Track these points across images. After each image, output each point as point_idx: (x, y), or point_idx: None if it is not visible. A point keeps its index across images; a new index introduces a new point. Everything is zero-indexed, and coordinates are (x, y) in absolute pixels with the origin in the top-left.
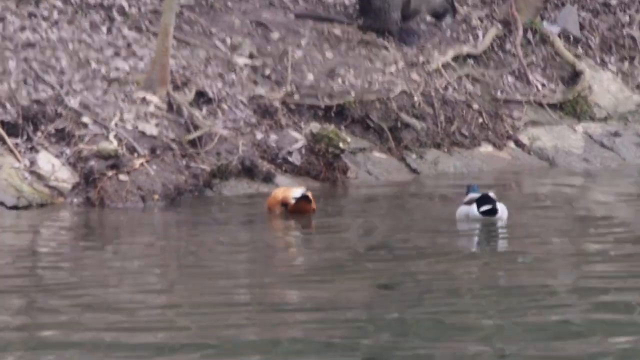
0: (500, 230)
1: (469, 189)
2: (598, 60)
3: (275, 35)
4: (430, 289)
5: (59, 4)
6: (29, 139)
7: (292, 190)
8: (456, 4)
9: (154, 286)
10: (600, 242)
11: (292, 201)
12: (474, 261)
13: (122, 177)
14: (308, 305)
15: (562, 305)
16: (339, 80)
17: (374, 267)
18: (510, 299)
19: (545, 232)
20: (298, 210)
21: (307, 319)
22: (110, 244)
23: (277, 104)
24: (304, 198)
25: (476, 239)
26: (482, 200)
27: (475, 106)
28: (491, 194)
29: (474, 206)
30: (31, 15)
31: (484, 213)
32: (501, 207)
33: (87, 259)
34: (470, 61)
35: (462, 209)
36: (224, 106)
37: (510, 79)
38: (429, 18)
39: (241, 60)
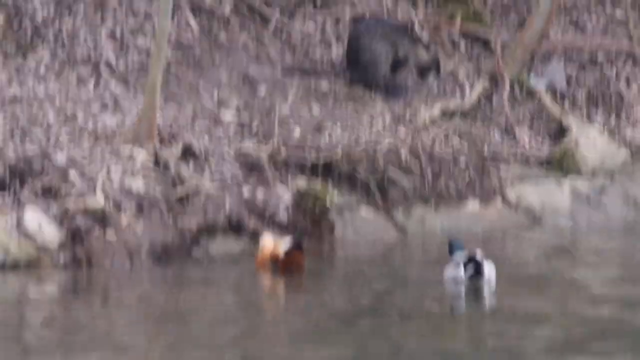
0: (486, 293)
1: (452, 245)
2: (585, 115)
3: (262, 90)
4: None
5: (47, 58)
6: (16, 195)
7: (279, 243)
8: (442, 61)
9: (137, 350)
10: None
11: (282, 254)
12: (461, 324)
13: (109, 234)
14: None
15: None
16: (326, 135)
17: (359, 331)
18: None
19: (531, 293)
20: (290, 263)
21: None
22: (97, 305)
23: (264, 159)
24: (296, 246)
25: (463, 301)
26: (469, 263)
27: (462, 162)
28: (478, 256)
29: (461, 269)
30: (18, 69)
31: (470, 277)
32: (488, 268)
33: (74, 320)
34: (457, 116)
35: (449, 272)
36: (211, 161)
37: (497, 134)
38: (412, 76)
39: (228, 116)
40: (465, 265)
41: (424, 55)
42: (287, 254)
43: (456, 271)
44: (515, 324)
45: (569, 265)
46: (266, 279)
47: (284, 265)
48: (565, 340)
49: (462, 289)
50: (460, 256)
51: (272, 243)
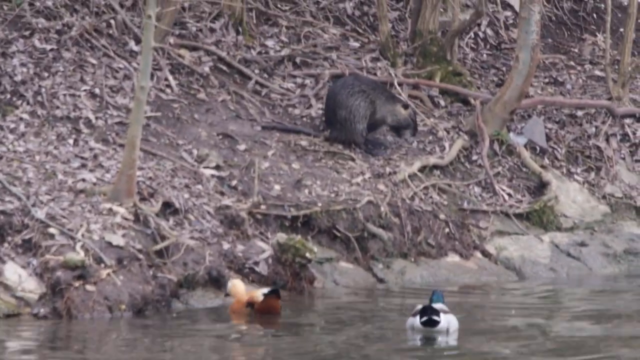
0: (444, 344)
1: (433, 296)
2: (564, 170)
3: (241, 146)
4: None
5: (26, 116)
6: None
7: (254, 291)
8: (422, 117)
9: None
10: None
11: (260, 298)
12: None
13: (89, 287)
14: None
15: None
16: (306, 190)
17: None
18: None
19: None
20: (267, 307)
21: None
22: (75, 355)
23: (243, 214)
24: (273, 292)
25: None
26: (424, 311)
27: (442, 216)
28: (438, 305)
29: (417, 317)
30: None
31: (424, 324)
32: (447, 319)
33: None
34: (437, 172)
35: (409, 320)
36: (191, 217)
37: (476, 189)
38: (391, 134)
39: (208, 172)
40: (420, 313)
41: (402, 113)
42: (266, 297)
43: (413, 320)
44: None
45: (543, 317)
46: (244, 328)
47: (262, 309)
48: None
49: (418, 338)
50: (418, 307)
51: (244, 289)
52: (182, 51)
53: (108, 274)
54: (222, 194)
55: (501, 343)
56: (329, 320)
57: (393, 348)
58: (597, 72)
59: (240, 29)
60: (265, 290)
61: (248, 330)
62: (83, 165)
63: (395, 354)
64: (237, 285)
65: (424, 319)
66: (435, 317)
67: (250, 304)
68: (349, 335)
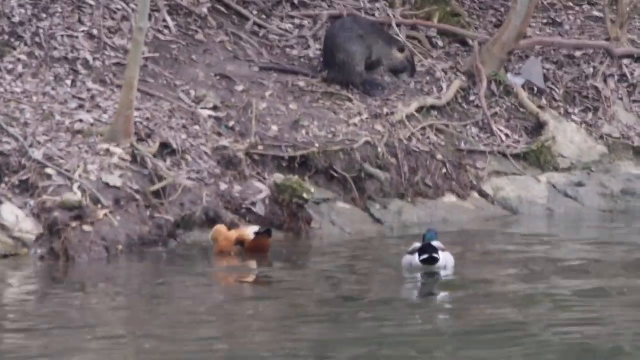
0: (442, 278)
1: (425, 235)
2: (562, 111)
3: (239, 87)
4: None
5: (24, 57)
6: None
7: (243, 229)
8: (420, 57)
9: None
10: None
11: (251, 237)
12: (418, 309)
13: (86, 228)
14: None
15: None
16: (303, 131)
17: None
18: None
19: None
20: (258, 246)
21: None
22: (74, 296)
23: (241, 155)
24: (266, 232)
25: (419, 288)
26: (423, 249)
27: (439, 157)
28: (435, 243)
29: (416, 255)
30: None
31: (423, 262)
32: (444, 256)
33: (50, 310)
34: (435, 112)
35: (406, 258)
36: (188, 157)
37: (474, 130)
38: (387, 73)
39: (205, 112)
40: (419, 252)
41: (397, 57)
42: (258, 236)
43: (411, 258)
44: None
45: (539, 252)
46: (238, 268)
47: (252, 247)
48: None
49: (418, 276)
50: (415, 245)
51: (236, 231)
52: None
53: (105, 215)
54: (219, 134)
55: (501, 271)
56: (325, 260)
57: (390, 287)
58: (596, 13)
59: None
60: (256, 228)
61: (244, 269)
62: (80, 106)
63: (394, 291)
64: (221, 229)
65: (424, 256)
66: (435, 255)
67: (240, 242)
68: (348, 275)
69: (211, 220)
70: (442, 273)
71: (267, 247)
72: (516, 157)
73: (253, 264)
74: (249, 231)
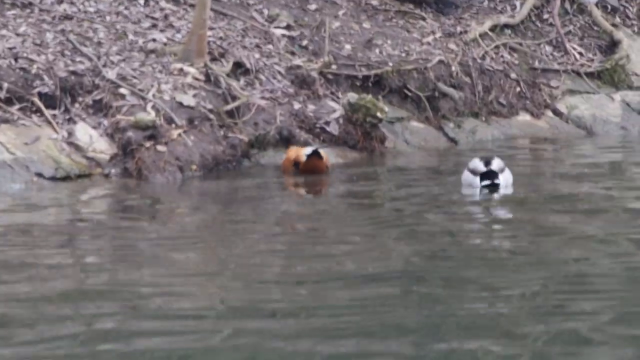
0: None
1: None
2: (636, 29)
3: (312, 6)
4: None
5: None
6: (67, 111)
7: (303, 149)
8: None
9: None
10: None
11: (304, 158)
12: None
13: (160, 147)
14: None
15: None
16: (377, 50)
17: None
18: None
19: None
20: (310, 168)
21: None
22: (149, 217)
23: (314, 74)
24: (315, 154)
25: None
26: (487, 174)
27: (513, 75)
28: (496, 163)
29: (477, 179)
30: None
31: (485, 187)
32: (505, 177)
33: (126, 231)
34: (508, 31)
35: (468, 176)
36: (262, 77)
37: (547, 48)
38: None
39: (278, 31)
40: (482, 176)
41: None
42: (308, 158)
43: (473, 180)
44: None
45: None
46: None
47: (305, 169)
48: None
49: (477, 192)
50: (476, 164)
51: (297, 149)
52: None
53: (179, 134)
54: (292, 53)
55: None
56: (399, 178)
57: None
58: None
59: None
60: (309, 150)
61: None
62: (154, 25)
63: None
64: (291, 149)
65: (486, 182)
66: (497, 181)
67: (296, 163)
68: (420, 194)
69: (285, 140)
70: (504, 191)
71: (321, 168)
72: (590, 75)
73: (327, 183)
74: (304, 152)
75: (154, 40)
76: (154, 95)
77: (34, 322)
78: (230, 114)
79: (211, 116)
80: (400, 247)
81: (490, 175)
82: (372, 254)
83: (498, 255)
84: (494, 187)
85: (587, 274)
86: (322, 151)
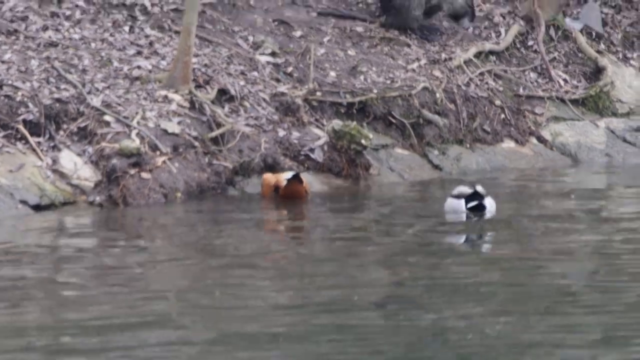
0: (487, 225)
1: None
2: (620, 56)
3: (297, 33)
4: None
5: (82, 3)
6: (52, 138)
7: (280, 174)
8: (476, 6)
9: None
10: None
11: (284, 183)
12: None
13: (145, 175)
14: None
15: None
16: (361, 77)
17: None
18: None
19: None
20: (290, 193)
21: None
22: (134, 245)
23: (299, 101)
24: (295, 178)
25: (465, 235)
26: (472, 196)
27: (498, 102)
28: (479, 188)
29: (463, 202)
30: (54, 15)
31: (472, 209)
32: (489, 202)
33: (109, 258)
34: (493, 58)
35: (452, 202)
36: (246, 104)
37: (532, 75)
38: (447, 20)
39: (263, 58)
40: (467, 199)
41: (458, 1)
42: (289, 182)
43: (458, 204)
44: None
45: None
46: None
47: (286, 194)
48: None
49: (461, 217)
50: (461, 189)
51: (274, 176)
52: None
53: (163, 162)
54: (277, 80)
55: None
56: (383, 205)
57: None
58: None
59: None
60: (289, 174)
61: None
62: (139, 53)
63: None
64: (267, 175)
65: (474, 203)
66: (484, 202)
67: (277, 187)
68: (404, 219)
69: (269, 167)
70: (488, 215)
71: (301, 193)
72: (574, 102)
73: (306, 209)
74: (284, 176)
75: (138, 67)
76: (138, 123)
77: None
78: (215, 141)
79: (196, 143)
80: (383, 275)
81: (476, 197)
82: (354, 282)
83: (481, 287)
84: (480, 210)
85: (569, 306)
86: (300, 175)
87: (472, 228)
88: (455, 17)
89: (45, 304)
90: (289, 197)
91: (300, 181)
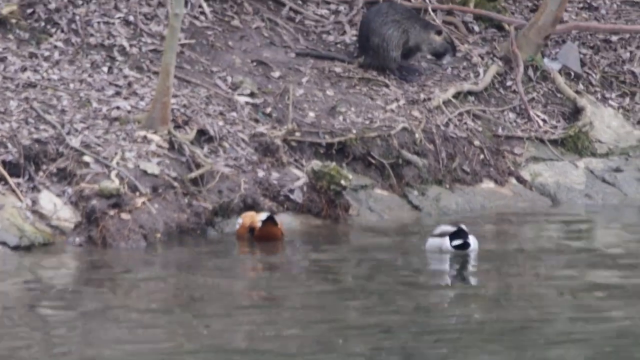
0: (472, 264)
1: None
2: (599, 96)
3: (276, 73)
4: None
5: (60, 44)
6: (31, 179)
7: (258, 215)
8: (457, 43)
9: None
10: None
11: (259, 225)
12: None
13: (124, 215)
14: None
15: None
16: (340, 117)
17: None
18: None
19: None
20: (265, 234)
21: None
22: (113, 286)
23: (278, 141)
24: (269, 220)
25: (451, 273)
26: (457, 234)
27: (477, 142)
28: (462, 226)
29: (447, 240)
30: (32, 55)
31: (457, 247)
32: (472, 240)
33: (90, 301)
34: (471, 98)
35: (434, 242)
36: (225, 144)
37: (511, 115)
38: (429, 57)
39: (242, 99)
40: (451, 236)
41: (437, 40)
42: (263, 224)
43: (441, 241)
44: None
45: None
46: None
47: (260, 236)
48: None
49: (447, 259)
50: (443, 228)
51: (250, 217)
52: None
53: (143, 203)
54: (256, 121)
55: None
56: (362, 248)
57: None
58: None
59: None
60: (264, 216)
61: (268, 260)
62: (117, 93)
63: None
64: (245, 215)
65: (459, 242)
66: (468, 240)
67: (252, 229)
68: (376, 258)
69: (249, 208)
70: (472, 255)
71: (276, 234)
72: (553, 142)
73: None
74: (259, 218)
75: (117, 107)
76: (117, 163)
77: None
78: (194, 181)
79: (175, 184)
80: (364, 319)
81: (460, 234)
82: (333, 325)
83: (467, 327)
84: (465, 248)
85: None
86: (275, 218)
87: (452, 266)
88: (437, 55)
89: None
90: (264, 238)
91: (275, 223)
